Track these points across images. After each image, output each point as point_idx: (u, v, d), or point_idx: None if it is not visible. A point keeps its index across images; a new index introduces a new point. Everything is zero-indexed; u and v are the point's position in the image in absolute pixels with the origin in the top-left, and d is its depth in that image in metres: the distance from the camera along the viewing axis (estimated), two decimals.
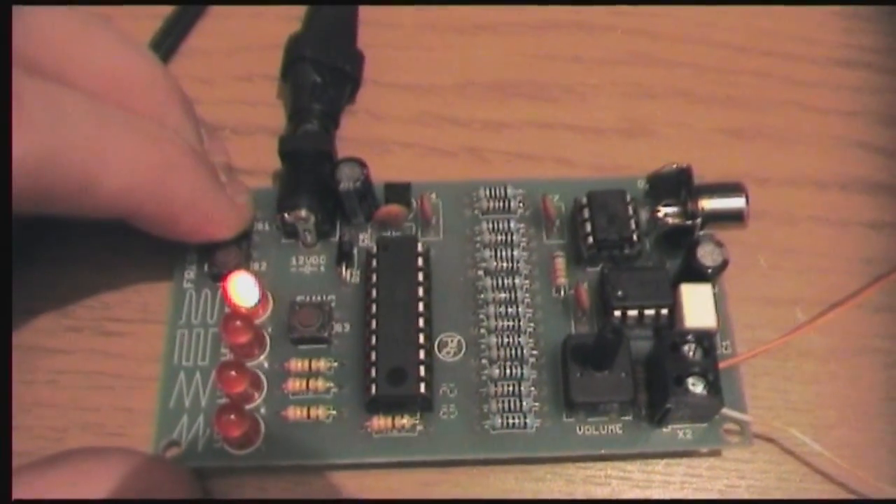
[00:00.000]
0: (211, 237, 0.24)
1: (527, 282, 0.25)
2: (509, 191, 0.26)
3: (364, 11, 0.29)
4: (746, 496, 0.24)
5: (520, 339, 0.24)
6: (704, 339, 0.22)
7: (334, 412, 0.23)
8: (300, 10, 0.29)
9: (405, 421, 0.23)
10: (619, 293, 0.23)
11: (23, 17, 0.20)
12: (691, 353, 0.22)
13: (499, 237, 0.25)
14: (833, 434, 0.24)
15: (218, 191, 0.23)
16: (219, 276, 0.24)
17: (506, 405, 0.23)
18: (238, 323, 0.23)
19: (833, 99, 0.29)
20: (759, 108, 0.29)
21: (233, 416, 0.22)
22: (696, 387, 0.21)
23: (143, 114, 0.22)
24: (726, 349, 0.24)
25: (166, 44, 0.29)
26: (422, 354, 0.23)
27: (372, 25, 0.30)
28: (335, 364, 0.24)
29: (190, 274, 0.25)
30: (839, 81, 0.29)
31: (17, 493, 0.19)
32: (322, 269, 0.25)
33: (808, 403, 0.25)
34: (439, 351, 0.24)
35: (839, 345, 0.26)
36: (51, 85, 0.20)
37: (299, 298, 0.24)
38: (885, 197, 0.28)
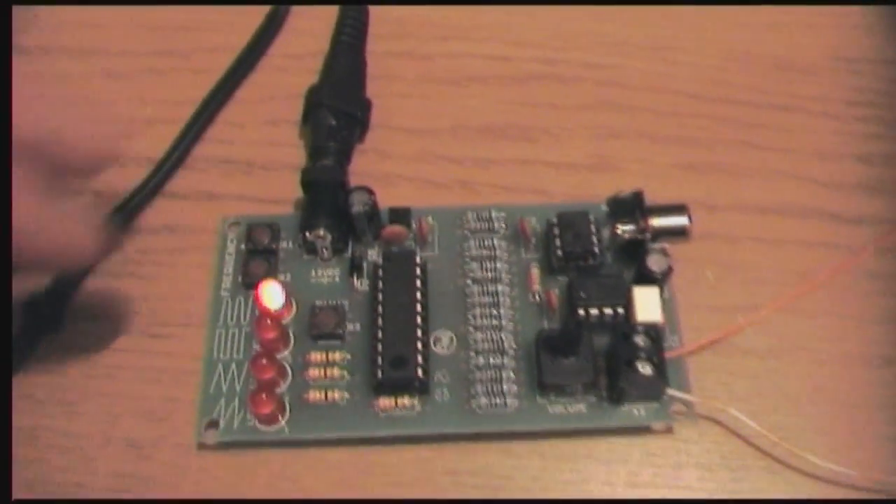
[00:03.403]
0: (56, 263, 0.25)
1: (507, 288, 0.29)
2: (493, 214, 0.30)
3: (371, 66, 0.35)
4: (695, 470, 0.28)
5: (501, 335, 0.28)
6: (651, 330, 0.26)
7: (347, 395, 0.27)
8: (318, 64, 0.34)
9: (406, 401, 0.27)
10: (582, 294, 0.27)
11: None
12: (640, 342, 0.26)
13: (484, 252, 0.30)
14: (769, 418, 0.28)
15: (56, 218, 0.24)
16: (251, 285, 0.29)
17: (489, 389, 0.27)
18: (268, 321, 0.28)
19: (774, 138, 0.34)
20: (709, 146, 0.33)
21: (264, 396, 0.26)
22: (645, 368, 0.26)
23: None
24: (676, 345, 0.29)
25: (221, 91, 0.34)
26: (420, 346, 0.27)
27: (379, 78, 0.35)
28: (348, 356, 0.28)
29: (227, 283, 0.30)
30: (779, 124, 0.34)
31: None
32: (337, 279, 0.30)
33: (749, 393, 0.29)
34: (434, 345, 0.28)
35: (776, 345, 0.30)
36: None
37: (318, 303, 0.29)
38: (816, 220, 0.32)
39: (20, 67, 0.34)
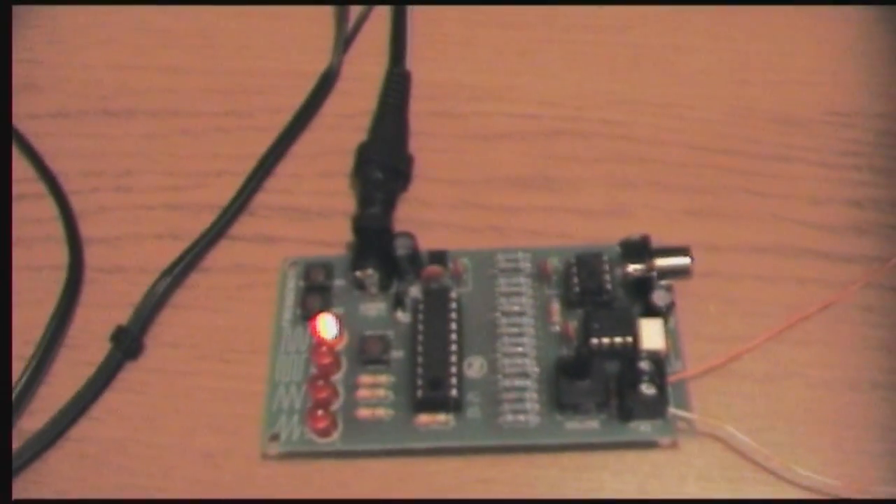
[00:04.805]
0: None
1: (531, 320, 0.33)
2: (519, 256, 0.34)
3: (413, 125, 0.39)
4: (697, 482, 0.30)
5: (525, 361, 0.32)
6: (655, 356, 0.30)
7: (392, 412, 0.31)
8: (366, 123, 0.39)
9: (442, 418, 0.31)
10: (596, 326, 0.31)
11: None
12: (645, 366, 0.30)
13: (512, 289, 0.33)
14: (765, 436, 0.31)
15: None
16: (308, 317, 0.33)
17: (514, 407, 0.31)
18: (323, 349, 0.32)
19: (772, 186, 0.37)
20: (713, 193, 0.37)
21: (319, 412, 0.30)
22: (649, 389, 0.30)
23: None
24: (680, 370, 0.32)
25: (280, 146, 0.39)
26: (454, 370, 0.31)
27: (420, 135, 0.39)
28: (392, 379, 0.32)
29: (287, 315, 0.34)
30: (777, 172, 0.37)
31: None
32: (383, 312, 0.33)
33: (746, 413, 0.31)
34: (467, 369, 0.32)
35: (772, 370, 0.32)
36: None
37: (367, 332, 0.33)
38: (809, 259, 0.35)
39: (109, 130, 0.40)
